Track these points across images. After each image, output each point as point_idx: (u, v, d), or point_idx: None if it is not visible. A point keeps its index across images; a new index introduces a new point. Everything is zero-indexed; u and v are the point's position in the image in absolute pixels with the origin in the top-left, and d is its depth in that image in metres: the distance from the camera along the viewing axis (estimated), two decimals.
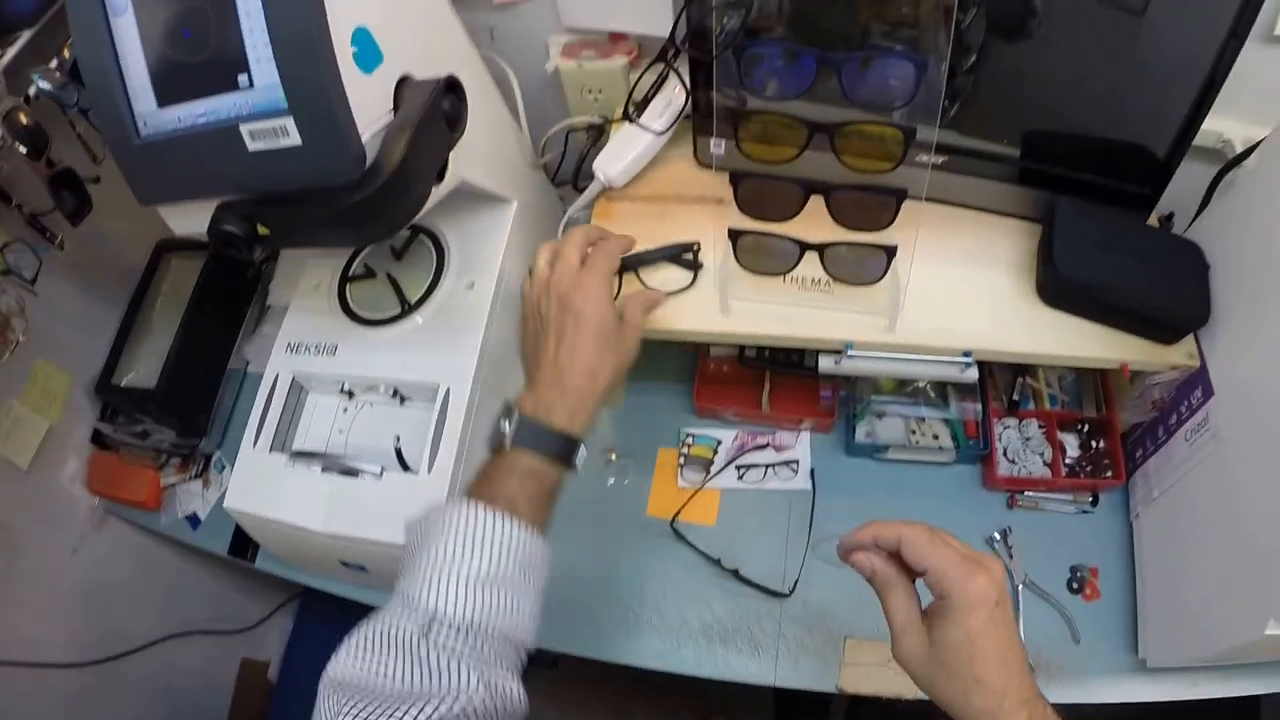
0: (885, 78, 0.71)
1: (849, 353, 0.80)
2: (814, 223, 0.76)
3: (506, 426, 0.66)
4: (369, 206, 0.62)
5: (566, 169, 1.05)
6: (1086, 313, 0.83)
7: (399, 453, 0.84)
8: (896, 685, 0.86)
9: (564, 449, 0.67)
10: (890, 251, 0.75)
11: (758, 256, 0.78)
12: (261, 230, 0.65)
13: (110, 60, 0.63)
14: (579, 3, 0.94)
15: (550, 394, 0.68)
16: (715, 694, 1.66)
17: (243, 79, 0.60)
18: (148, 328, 1.09)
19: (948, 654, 0.55)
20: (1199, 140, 0.82)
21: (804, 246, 0.76)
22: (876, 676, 0.86)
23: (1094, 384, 0.97)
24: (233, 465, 0.91)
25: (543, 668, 1.64)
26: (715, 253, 0.84)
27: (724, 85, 0.77)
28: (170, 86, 0.63)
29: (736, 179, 0.74)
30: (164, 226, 0.71)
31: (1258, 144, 0.79)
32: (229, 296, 1.13)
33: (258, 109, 0.61)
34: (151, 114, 0.64)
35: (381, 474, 0.81)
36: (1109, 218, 0.84)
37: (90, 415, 1.10)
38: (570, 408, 0.67)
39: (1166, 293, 0.81)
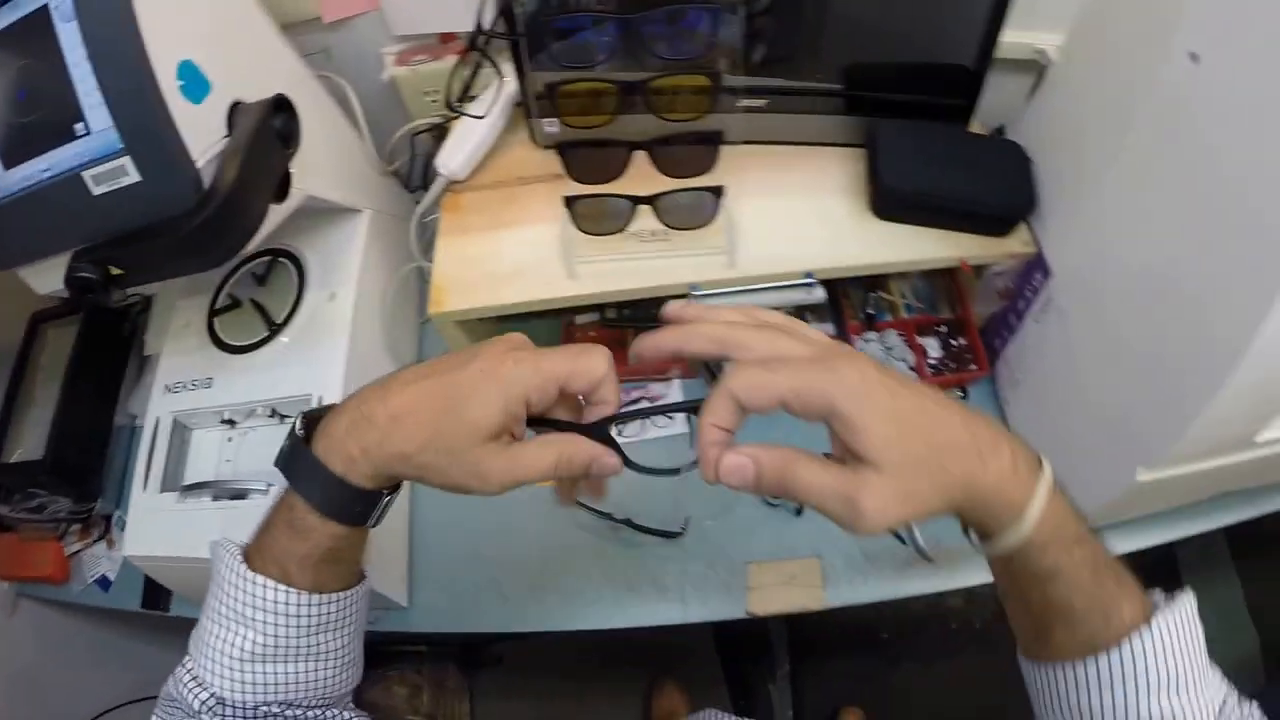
0: (684, 30, 0.81)
1: (694, 294, 0.90)
2: (646, 178, 0.87)
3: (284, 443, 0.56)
4: (210, 228, 0.70)
5: (419, 173, 1.15)
6: (919, 220, 0.95)
7: None
8: (802, 599, 0.96)
9: (335, 500, 0.53)
10: (717, 191, 0.86)
11: (594, 219, 0.88)
12: (114, 271, 0.72)
13: None
14: (404, 11, 1.03)
15: (346, 418, 0.53)
16: (661, 659, 1.79)
17: (79, 127, 0.67)
18: (31, 401, 1.14)
19: (908, 461, 0.47)
20: (1018, 54, 0.95)
21: (635, 200, 0.86)
22: (783, 595, 0.97)
23: (945, 287, 1.08)
24: None
25: (488, 668, 1.75)
26: (556, 225, 0.93)
27: (542, 63, 0.88)
28: (14, 148, 0.69)
29: (563, 149, 0.85)
30: (36, 299, 0.77)
31: None
32: (107, 355, 1.18)
33: (97, 154, 0.67)
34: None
35: (268, 490, 0.88)
36: (930, 131, 0.96)
37: None
38: (357, 445, 0.52)
39: (991, 189, 0.93)
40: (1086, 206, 0.86)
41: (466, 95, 0.96)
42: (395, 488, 0.56)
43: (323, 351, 0.93)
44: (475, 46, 0.87)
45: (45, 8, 0.66)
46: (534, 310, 0.94)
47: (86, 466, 1.13)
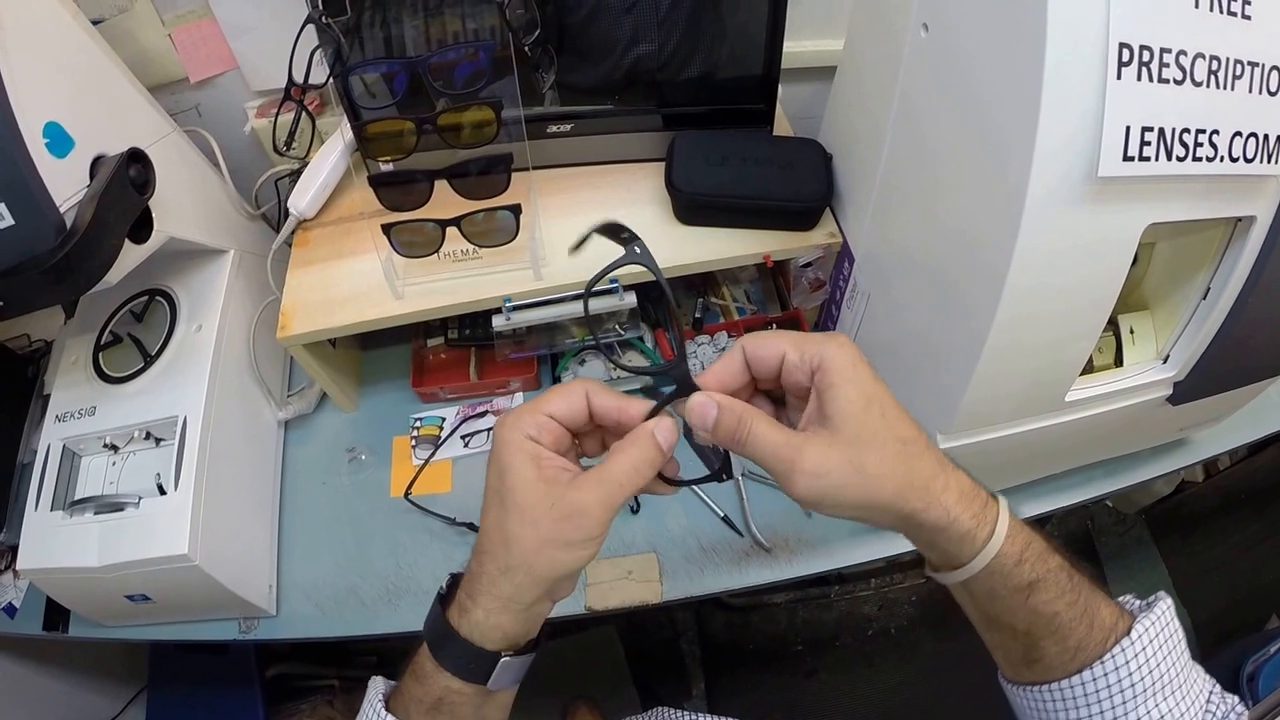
0: (461, 66, 1.11)
1: (507, 306, 1.20)
2: (452, 204, 1.16)
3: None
4: (70, 261, 0.99)
5: (283, 215, 1.42)
6: (721, 221, 1.22)
7: (160, 487, 1.20)
8: (641, 593, 1.22)
9: (449, 652, 0.64)
10: (514, 210, 1.14)
11: (410, 244, 1.18)
12: None
13: None
14: (259, 69, 1.37)
15: (467, 576, 0.65)
16: (575, 683, 2.08)
17: None
18: None
19: (864, 431, 0.58)
20: (820, 61, 1.24)
21: (441, 224, 1.15)
22: (620, 590, 1.23)
23: (774, 289, 1.35)
24: None
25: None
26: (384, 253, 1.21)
27: (360, 107, 1.19)
28: None
29: (374, 182, 1.14)
30: None
31: None
32: (9, 397, 1.50)
33: None
34: None
35: (139, 503, 1.18)
36: (727, 138, 1.24)
37: None
38: (465, 592, 0.65)
39: (790, 185, 1.19)
40: (871, 193, 1.10)
41: (290, 142, 1.29)
42: (522, 652, 0.68)
43: (190, 375, 1.25)
44: (289, 97, 1.25)
45: None
46: (371, 329, 1.24)
47: None
